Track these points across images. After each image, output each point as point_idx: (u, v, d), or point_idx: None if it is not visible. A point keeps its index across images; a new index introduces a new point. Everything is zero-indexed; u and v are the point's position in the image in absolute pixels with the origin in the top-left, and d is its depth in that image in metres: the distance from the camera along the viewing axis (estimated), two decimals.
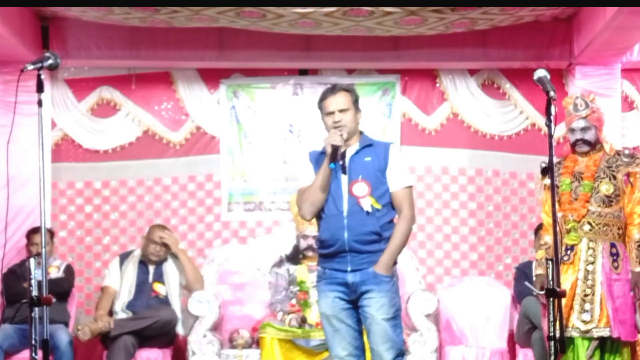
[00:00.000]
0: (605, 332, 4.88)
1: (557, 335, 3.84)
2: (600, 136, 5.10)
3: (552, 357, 3.88)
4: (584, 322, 4.88)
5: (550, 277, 3.92)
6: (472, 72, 7.49)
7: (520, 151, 7.46)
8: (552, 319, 3.87)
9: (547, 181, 5.14)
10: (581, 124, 5.03)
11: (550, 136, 3.92)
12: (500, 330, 6.76)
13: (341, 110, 4.37)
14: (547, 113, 3.91)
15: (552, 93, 3.92)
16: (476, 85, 7.49)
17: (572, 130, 5.06)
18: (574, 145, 5.08)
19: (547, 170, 5.11)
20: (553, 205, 3.94)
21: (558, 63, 7.17)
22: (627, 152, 5.09)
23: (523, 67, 7.17)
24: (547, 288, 3.90)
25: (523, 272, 6.53)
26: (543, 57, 7.11)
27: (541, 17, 6.84)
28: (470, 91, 7.48)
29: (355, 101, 4.44)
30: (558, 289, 3.87)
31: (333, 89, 4.44)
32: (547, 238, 5.12)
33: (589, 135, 5.04)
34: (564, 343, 3.91)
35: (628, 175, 5.00)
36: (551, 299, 3.87)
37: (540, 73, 4.03)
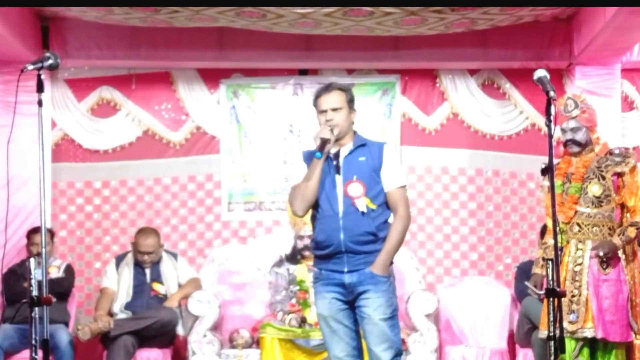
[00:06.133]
0: (590, 333, 4.89)
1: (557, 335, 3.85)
2: (593, 137, 5.10)
3: (552, 357, 3.89)
4: (571, 322, 4.89)
5: (550, 277, 3.93)
6: (472, 72, 7.49)
7: (520, 151, 7.46)
8: (552, 319, 3.88)
9: (545, 182, 5.16)
10: (571, 124, 5.04)
11: (550, 136, 3.92)
12: (500, 330, 6.76)
13: (334, 109, 4.38)
14: (547, 113, 3.92)
15: (552, 93, 3.92)
16: (476, 85, 7.49)
17: (563, 131, 5.07)
18: (565, 145, 5.09)
19: (546, 171, 5.14)
20: (553, 206, 3.96)
21: (558, 63, 7.17)
22: (617, 151, 5.08)
23: (523, 67, 7.17)
24: (547, 288, 3.91)
25: (524, 272, 6.52)
26: (543, 57, 7.10)
27: (541, 17, 6.84)
28: (470, 91, 7.48)
29: (350, 100, 4.44)
30: (558, 289, 3.88)
31: (327, 88, 4.45)
32: (549, 239, 5.15)
33: (579, 136, 5.04)
34: (564, 343, 3.91)
35: (618, 175, 5.00)
36: (551, 299, 3.88)
37: (540, 73, 4.04)
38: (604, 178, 4.98)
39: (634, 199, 4.98)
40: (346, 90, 4.47)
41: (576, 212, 5.00)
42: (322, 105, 4.40)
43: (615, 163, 5.00)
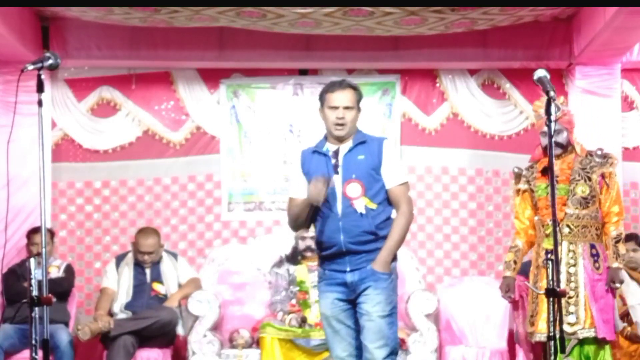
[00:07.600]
0: (590, 333, 4.91)
1: (557, 335, 3.86)
2: (572, 138, 5.14)
3: (552, 357, 3.90)
4: (570, 324, 4.90)
5: (550, 277, 3.94)
6: (472, 72, 7.49)
7: (520, 151, 7.43)
8: (552, 319, 3.89)
9: (521, 186, 5.23)
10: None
11: (551, 136, 3.93)
12: (500, 330, 6.76)
13: (346, 107, 4.32)
14: (547, 113, 3.93)
15: (552, 93, 3.93)
16: (476, 85, 7.49)
17: (544, 133, 5.07)
18: (545, 148, 5.10)
19: (520, 176, 5.20)
20: (553, 206, 3.96)
21: (558, 63, 7.17)
22: (599, 152, 5.11)
23: (523, 67, 7.17)
24: (547, 288, 3.92)
25: (523, 272, 6.51)
26: (543, 57, 7.11)
27: (541, 17, 6.85)
28: (470, 91, 7.48)
29: (359, 100, 4.40)
30: (558, 289, 3.88)
31: (341, 83, 4.36)
32: (518, 241, 5.27)
33: (561, 138, 5.08)
34: (564, 343, 3.92)
35: (603, 175, 5.04)
36: (551, 299, 3.89)
37: (540, 73, 4.04)
38: (590, 179, 5.02)
39: (608, 204, 5.03)
40: (357, 89, 4.40)
41: (565, 214, 5.03)
42: (335, 101, 4.32)
43: (600, 164, 5.05)
